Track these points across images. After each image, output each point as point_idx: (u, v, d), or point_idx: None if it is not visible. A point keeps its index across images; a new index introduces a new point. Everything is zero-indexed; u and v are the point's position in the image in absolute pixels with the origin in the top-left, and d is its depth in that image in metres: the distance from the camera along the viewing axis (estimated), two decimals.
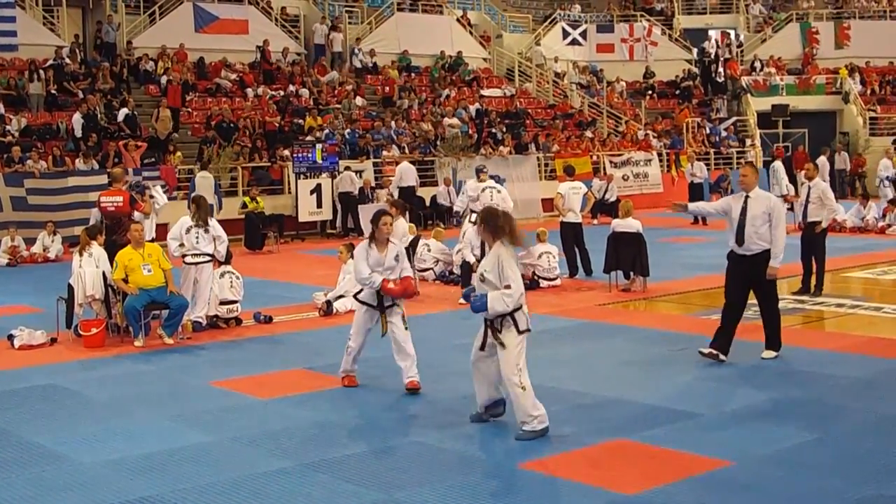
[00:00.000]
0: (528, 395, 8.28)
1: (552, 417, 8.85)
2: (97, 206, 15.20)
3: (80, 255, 13.33)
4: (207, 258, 13.69)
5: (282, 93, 31.89)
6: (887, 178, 30.15)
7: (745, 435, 8.34)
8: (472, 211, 16.99)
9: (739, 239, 10.80)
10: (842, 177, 35.51)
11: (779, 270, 10.87)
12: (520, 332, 8.32)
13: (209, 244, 13.68)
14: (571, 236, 17.78)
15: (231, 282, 14.00)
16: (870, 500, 6.80)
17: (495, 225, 8.47)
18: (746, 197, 10.86)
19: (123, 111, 27.44)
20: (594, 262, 17.38)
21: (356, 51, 35.37)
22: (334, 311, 14.50)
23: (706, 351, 11.00)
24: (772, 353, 11.12)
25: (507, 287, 8.21)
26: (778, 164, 24.66)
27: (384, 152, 29.45)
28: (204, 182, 24.02)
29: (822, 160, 28.30)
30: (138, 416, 9.38)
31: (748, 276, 10.91)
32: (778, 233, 10.73)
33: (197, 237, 13.61)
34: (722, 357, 10.93)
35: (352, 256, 15.20)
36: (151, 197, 16.58)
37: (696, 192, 28.28)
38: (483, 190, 17.05)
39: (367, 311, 10.11)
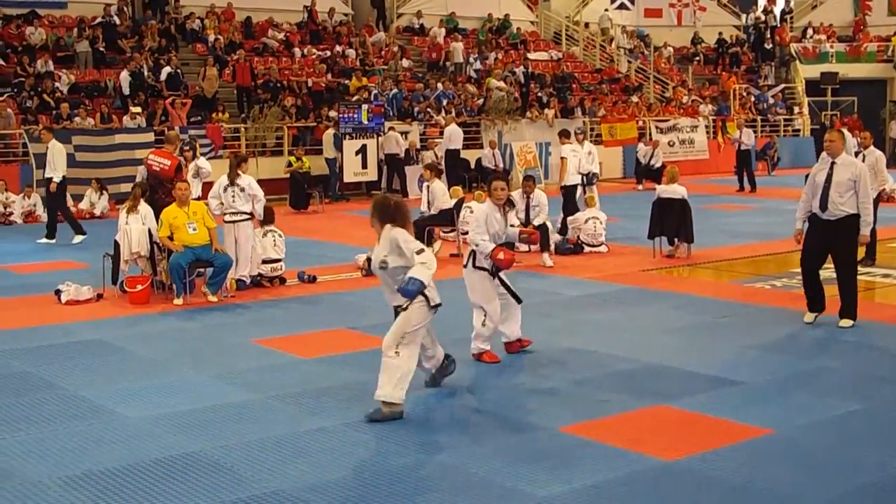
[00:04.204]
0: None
1: (591, 382, 8.85)
2: (144, 163, 15.29)
3: (129, 212, 13.43)
4: (245, 216, 13.71)
5: (328, 53, 31.87)
6: None
7: (786, 404, 8.28)
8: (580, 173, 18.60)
9: (823, 205, 10.79)
10: None
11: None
12: (431, 308, 7.94)
13: (246, 203, 13.70)
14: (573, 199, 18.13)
15: (274, 240, 14.05)
16: None
17: (384, 213, 8.01)
18: (833, 163, 10.83)
19: (166, 70, 27.57)
20: (639, 228, 17.30)
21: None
22: None
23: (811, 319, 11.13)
24: (848, 322, 10.96)
25: (420, 252, 7.76)
26: (846, 134, 24.30)
27: (437, 116, 29.41)
28: (326, 139, 26.48)
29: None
30: (182, 373, 9.47)
31: (829, 241, 10.89)
32: (865, 199, 10.74)
33: (233, 196, 13.67)
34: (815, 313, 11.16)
35: None
36: (199, 168, 16.48)
37: (742, 159, 27.98)
38: (589, 153, 19.46)
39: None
